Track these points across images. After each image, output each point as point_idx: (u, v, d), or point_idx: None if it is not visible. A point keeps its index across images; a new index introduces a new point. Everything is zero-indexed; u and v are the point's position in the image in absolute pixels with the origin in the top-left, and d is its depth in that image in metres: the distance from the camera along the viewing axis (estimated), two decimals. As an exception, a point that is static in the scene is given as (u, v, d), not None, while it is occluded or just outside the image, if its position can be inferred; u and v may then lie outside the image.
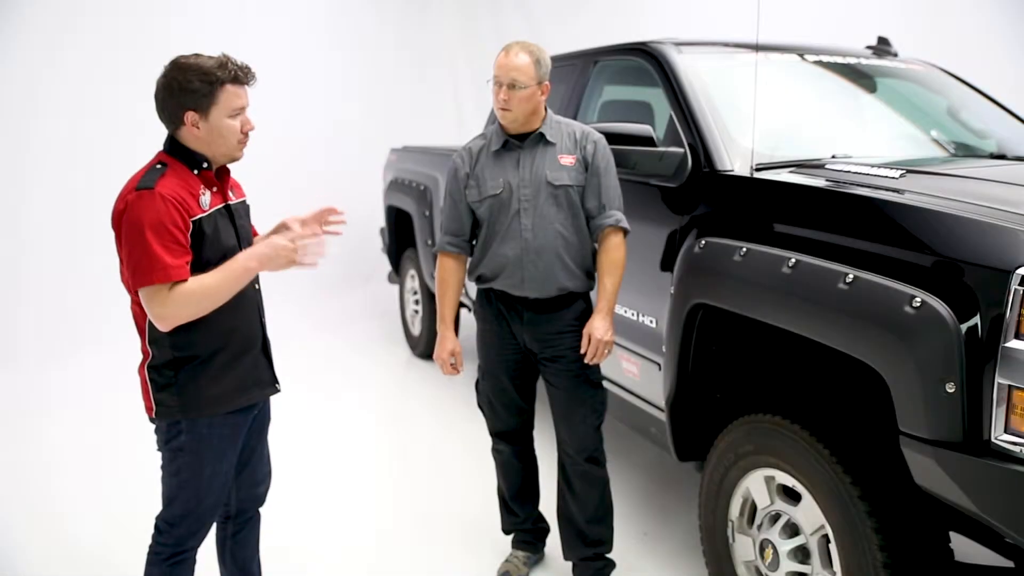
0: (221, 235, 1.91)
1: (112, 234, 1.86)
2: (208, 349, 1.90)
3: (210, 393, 1.91)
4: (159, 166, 1.85)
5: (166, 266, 1.76)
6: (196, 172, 1.89)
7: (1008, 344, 1.55)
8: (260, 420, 2.14)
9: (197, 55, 1.86)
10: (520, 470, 2.71)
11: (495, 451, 2.73)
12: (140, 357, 1.94)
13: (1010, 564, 1.91)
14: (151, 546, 2.02)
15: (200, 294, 1.81)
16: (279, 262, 1.89)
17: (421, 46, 7.93)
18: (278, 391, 2.11)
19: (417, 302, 5.35)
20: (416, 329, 5.42)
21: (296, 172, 6.59)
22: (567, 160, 2.38)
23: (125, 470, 3.56)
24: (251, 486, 2.19)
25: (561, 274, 2.39)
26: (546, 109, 2.44)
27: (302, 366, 4.96)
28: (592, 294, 2.49)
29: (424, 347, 5.27)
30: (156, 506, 2.03)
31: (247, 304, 1.98)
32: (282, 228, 2.09)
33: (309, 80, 6.83)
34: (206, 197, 1.89)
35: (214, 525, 2.15)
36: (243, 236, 2.02)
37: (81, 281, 5.33)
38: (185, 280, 1.79)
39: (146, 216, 1.75)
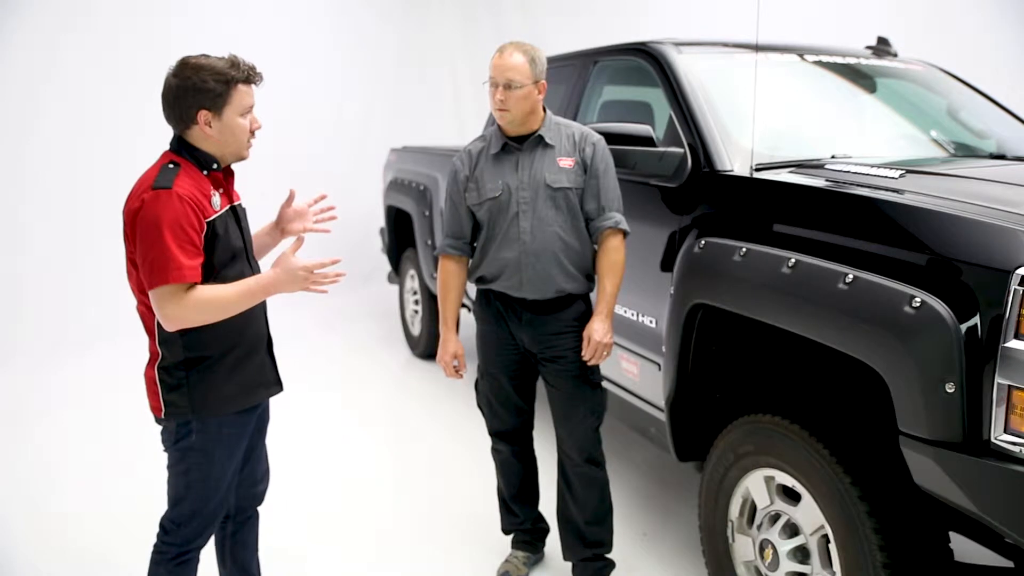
0: (231, 236, 1.93)
1: (118, 233, 1.86)
2: (220, 349, 1.91)
3: (221, 393, 1.92)
4: (171, 165, 1.85)
5: (181, 267, 1.76)
6: (206, 173, 1.90)
7: (1008, 344, 1.55)
8: (260, 419, 2.15)
9: (206, 55, 1.87)
10: (519, 470, 2.71)
11: (494, 451, 2.73)
12: (146, 358, 1.94)
13: (1010, 564, 1.91)
14: (156, 545, 2.02)
15: (215, 304, 1.82)
16: (292, 288, 1.92)
17: (421, 46, 7.94)
18: (282, 391, 2.12)
19: (417, 302, 5.35)
20: (416, 329, 5.42)
21: (296, 172, 6.56)
22: (566, 162, 2.38)
23: (125, 470, 3.56)
24: (250, 485, 2.19)
25: (560, 276, 2.39)
26: (545, 110, 2.44)
27: (302, 366, 4.97)
28: (592, 296, 2.49)
29: (424, 347, 5.27)
30: (156, 506, 2.03)
31: (256, 306, 1.99)
32: (281, 227, 2.12)
33: (309, 80, 6.83)
34: (216, 198, 1.90)
35: None
36: (247, 238, 2.04)
37: (81, 281, 5.34)
38: (197, 282, 1.80)
39: (164, 215, 1.75)
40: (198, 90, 1.82)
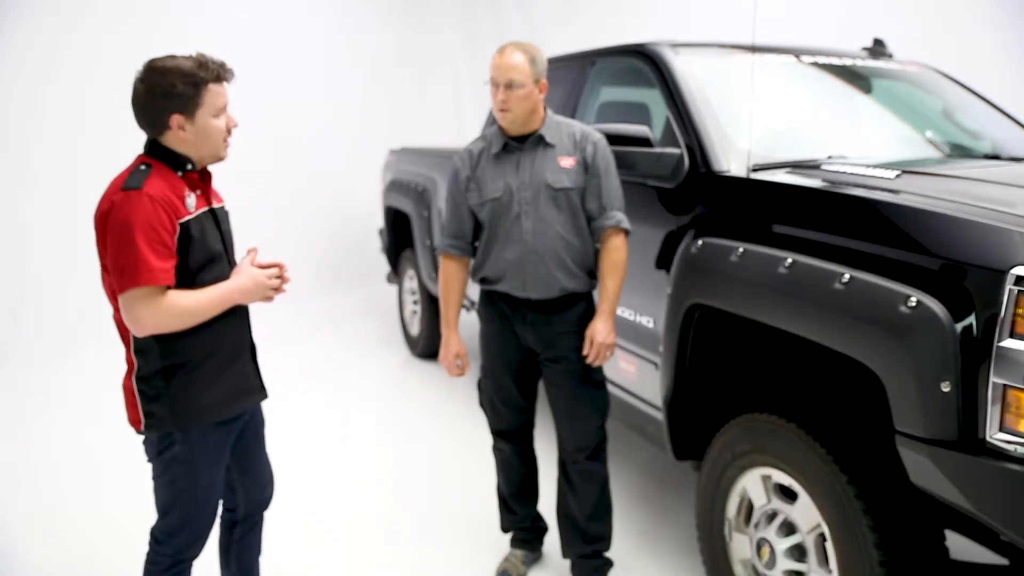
0: (208, 238, 1.88)
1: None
2: (198, 355, 1.86)
3: (203, 401, 1.88)
4: (143, 167, 1.81)
5: (152, 268, 1.71)
6: (180, 174, 1.86)
7: (1003, 343, 1.56)
8: (255, 425, 2.13)
9: (172, 56, 1.82)
10: (520, 469, 2.72)
11: (496, 450, 2.74)
12: (124, 368, 1.89)
13: (1005, 562, 1.92)
14: (148, 555, 1.99)
15: (183, 311, 1.79)
16: (256, 296, 1.93)
17: (421, 46, 7.94)
18: (266, 397, 2.09)
19: (416, 302, 5.35)
20: (414, 329, 5.42)
21: (296, 172, 6.60)
22: (567, 162, 2.38)
23: (125, 470, 3.56)
24: (257, 491, 2.19)
25: (562, 276, 2.39)
26: (546, 109, 2.45)
27: (300, 366, 4.97)
28: (594, 294, 2.50)
29: (423, 347, 5.26)
30: (155, 507, 2.03)
31: (236, 310, 1.94)
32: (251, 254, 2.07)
33: (309, 80, 6.83)
34: (191, 199, 1.85)
35: (217, 530, 2.14)
36: (228, 241, 2.00)
37: (81, 281, 5.31)
38: (170, 285, 1.76)
39: (134, 217, 1.71)
40: (168, 95, 1.78)
